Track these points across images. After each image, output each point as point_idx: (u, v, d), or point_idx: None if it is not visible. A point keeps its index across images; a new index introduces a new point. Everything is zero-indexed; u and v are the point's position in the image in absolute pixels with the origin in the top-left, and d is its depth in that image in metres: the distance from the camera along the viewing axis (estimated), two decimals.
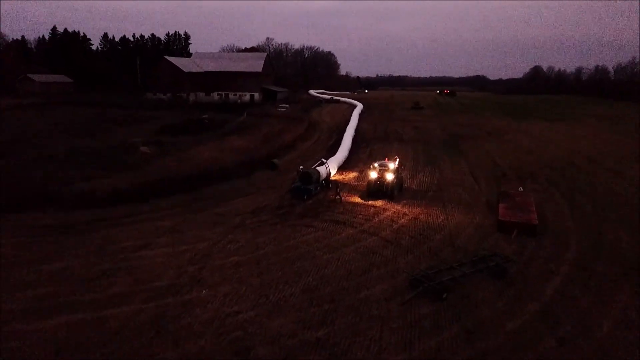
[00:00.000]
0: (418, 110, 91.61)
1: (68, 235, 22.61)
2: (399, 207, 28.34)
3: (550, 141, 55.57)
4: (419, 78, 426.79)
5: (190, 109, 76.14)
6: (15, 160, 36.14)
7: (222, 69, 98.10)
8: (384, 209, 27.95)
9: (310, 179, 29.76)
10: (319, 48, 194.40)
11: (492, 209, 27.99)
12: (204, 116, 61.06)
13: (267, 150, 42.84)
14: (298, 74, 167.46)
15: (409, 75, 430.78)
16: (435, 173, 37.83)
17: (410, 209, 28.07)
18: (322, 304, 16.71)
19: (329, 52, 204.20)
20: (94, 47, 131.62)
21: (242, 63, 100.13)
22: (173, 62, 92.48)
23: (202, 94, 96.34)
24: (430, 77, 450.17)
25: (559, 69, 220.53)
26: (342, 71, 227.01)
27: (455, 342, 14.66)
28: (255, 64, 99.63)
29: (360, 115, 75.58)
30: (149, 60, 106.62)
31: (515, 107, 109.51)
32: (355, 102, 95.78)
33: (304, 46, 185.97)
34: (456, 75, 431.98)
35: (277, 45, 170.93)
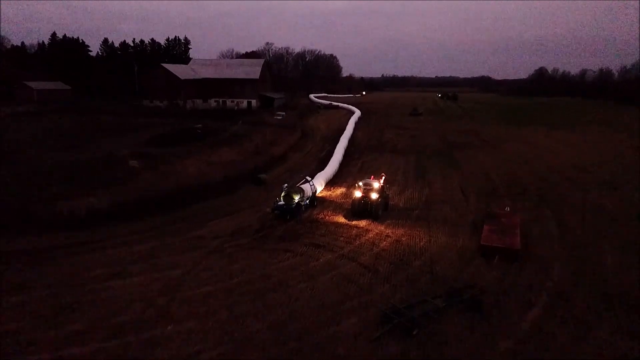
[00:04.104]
0: (416, 116, 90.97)
1: (39, 262, 22.28)
2: (382, 228, 27.82)
3: (548, 150, 54.78)
4: (424, 78, 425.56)
5: (187, 116, 75.96)
6: None
7: (219, 76, 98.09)
8: (367, 230, 27.45)
9: (293, 198, 29.33)
10: (320, 51, 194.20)
11: (477, 230, 27.38)
12: (198, 125, 60.77)
13: (256, 164, 42.45)
14: (299, 78, 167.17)
15: (414, 75, 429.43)
16: (424, 188, 37.25)
17: (393, 230, 27.55)
18: (288, 341, 16.25)
19: (331, 54, 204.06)
20: (93, 53, 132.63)
21: (239, 69, 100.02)
22: (169, 69, 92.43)
23: (199, 101, 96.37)
24: (437, 77, 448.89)
25: (564, 71, 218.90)
26: (346, 73, 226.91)
27: None
28: (253, 70, 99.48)
29: (357, 122, 75.16)
30: (148, 65, 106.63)
31: (517, 111, 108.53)
32: (353, 108, 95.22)
33: (305, 49, 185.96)
34: (462, 76, 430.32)
35: (277, 49, 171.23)
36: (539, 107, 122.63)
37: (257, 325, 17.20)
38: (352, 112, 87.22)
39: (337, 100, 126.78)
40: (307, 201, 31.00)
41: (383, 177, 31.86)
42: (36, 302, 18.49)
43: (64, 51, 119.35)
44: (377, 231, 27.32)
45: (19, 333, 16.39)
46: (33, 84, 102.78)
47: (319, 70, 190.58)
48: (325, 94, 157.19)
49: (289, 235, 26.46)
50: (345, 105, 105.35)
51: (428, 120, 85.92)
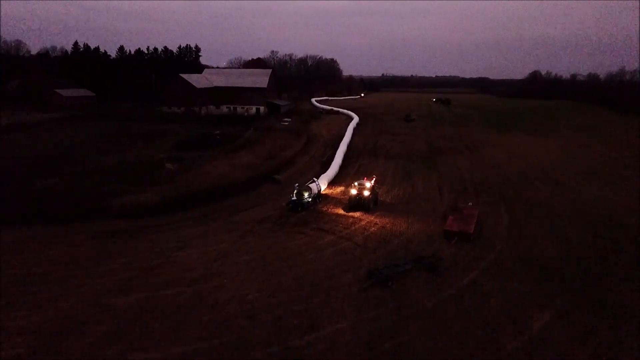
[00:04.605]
0: (410, 122, 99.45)
1: (124, 239, 30.71)
2: (372, 218, 36.20)
3: (519, 155, 63.10)
4: (424, 78, 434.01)
5: (203, 121, 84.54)
6: (62, 176, 44.15)
7: (231, 84, 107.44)
8: (360, 220, 35.83)
9: (303, 195, 37.74)
10: (322, 56, 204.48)
11: (446, 219, 35.67)
12: (216, 132, 69.24)
13: (271, 166, 50.91)
14: (301, 81, 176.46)
15: (415, 74, 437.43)
16: (408, 188, 45.65)
17: (380, 220, 35.91)
18: (305, 287, 24.63)
19: (332, 58, 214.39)
20: (111, 57, 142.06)
21: (248, 78, 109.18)
22: (186, 79, 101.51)
23: (212, 107, 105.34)
24: (436, 77, 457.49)
25: (556, 75, 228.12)
26: (346, 73, 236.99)
27: (389, 312, 22.54)
28: (261, 79, 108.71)
29: (355, 128, 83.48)
30: (162, 72, 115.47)
31: (505, 115, 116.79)
32: (352, 113, 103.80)
33: (307, 55, 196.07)
34: (461, 76, 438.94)
35: (281, 56, 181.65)
36: (527, 111, 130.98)
37: (284, 278, 25.59)
38: (351, 118, 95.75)
39: (336, 103, 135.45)
40: (314, 196, 39.38)
41: (374, 178, 40.30)
42: (130, 265, 26.90)
43: (86, 59, 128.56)
44: (368, 220, 35.68)
45: (125, 282, 24.79)
46: (62, 92, 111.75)
47: (320, 72, 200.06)
48: (326, 97, 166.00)
49: (301, 222, 34.85)
50: (345, 111, 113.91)
51: (420, 126, 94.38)
